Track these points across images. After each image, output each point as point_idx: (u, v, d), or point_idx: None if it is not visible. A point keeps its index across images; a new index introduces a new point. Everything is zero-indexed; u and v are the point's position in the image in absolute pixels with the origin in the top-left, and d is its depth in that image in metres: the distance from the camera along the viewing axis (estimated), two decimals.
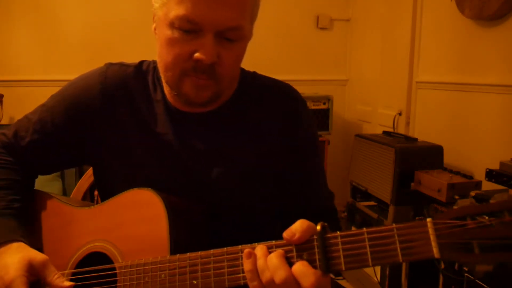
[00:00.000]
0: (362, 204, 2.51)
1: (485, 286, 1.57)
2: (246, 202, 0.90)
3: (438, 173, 2.04)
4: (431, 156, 2.19)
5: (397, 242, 0.58)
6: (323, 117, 3.08)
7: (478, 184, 1.91)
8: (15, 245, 0.78)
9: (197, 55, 0.76)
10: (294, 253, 0.64)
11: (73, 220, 0.87)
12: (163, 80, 0.86)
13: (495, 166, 1.70)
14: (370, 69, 3.25)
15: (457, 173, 2.02)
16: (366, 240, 0.59)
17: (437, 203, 1.93)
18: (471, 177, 1.96)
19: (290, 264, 0.63)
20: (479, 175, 1.93)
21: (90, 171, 1.21)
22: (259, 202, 0.91)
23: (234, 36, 0.78)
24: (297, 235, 0.63)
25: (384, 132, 2.56)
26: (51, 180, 2.65)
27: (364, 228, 0.60)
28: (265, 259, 0.63)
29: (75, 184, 1.25)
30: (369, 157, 2.41)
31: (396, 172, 2.16)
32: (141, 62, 0.94)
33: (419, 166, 2.11)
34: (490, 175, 1.68)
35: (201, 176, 0.88)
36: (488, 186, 1.79)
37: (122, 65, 0.93)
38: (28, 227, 0.85)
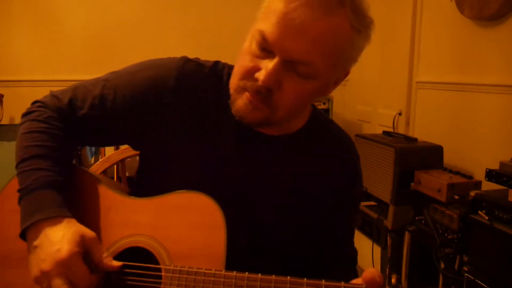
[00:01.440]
0: (362, 204, 2.51)
1: (485, 286, 1.58)
2: (283, 235, 0.90)
3: (438, 173, 2.04)
4: (431, 156, 2.19)
5: None
6: None
7: (478, 184, 1.91)
8: (66, 220, 0.76)
9: (257, 74, 0.75)
10: None
11: (115, 208, 0.83)
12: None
13: (495, 166, 1.70)
14: (370, 69, 3.24)
15: (457, 173, 2.02)
16: None
17: (437, 203, 1.93)
18: (471, 177, 1.96)
19: None
20: (479, 175, 1.93)
21: (94, 166, 1.21)
22: (295, 239, 0.91)
23: (304, 71, 0.75)
24: (377, 279, 0.64)
25: (384, 132, 2.56)
26: None
27: None
28: None
29: None
30: (369, 157, 2.41)
31: (396, 172, 2.16)
32: (216, 63, 0.92)
33: (419, 166, 2.11)
34: (490, 175, 1.68)
35: (248, 197, 0.87)
36: (488, 186, 1.79)
37: (198, 63, 0.91)
38: (70, 205, 0.82)
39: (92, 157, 2.93)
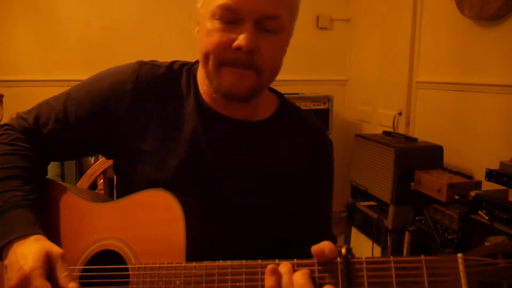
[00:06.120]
0: (362, 204, 2.51)
1: None
2: (257, 219, 0.90)
3: (438, 173, 2.04)
4: (431, 156, 2.20)
5: (425, 274, 0.56)
6: (323, 117, 3.09)
7: (478, 184, 1.91)
8: (34, 237, 0.78)
9: (236, 43, 0.77)
10: (316, 274, 0.62)
11: (86, 215, 0.86)
12: (203, 75, 0.86)
13: (495, 166, 1.70)
14: (370, 69, 3.25)
15: (457, 173, 2.02)
16: (393, 269, 0.57)
17: (437, 203, 1.93)
18: (471, 177, 1.96)
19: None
20: (479, 175, 1.94)
21: (89, 171, 1.21)
22: (270, 222, 0.92)
23: (273, 26, 0.80)
24: (326, 252, 0.62)
25: (384, 132, 2.56)
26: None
27: (391, 257, 0.58)
28: (290, 276, 0.62)
29: (75, 184, 1.25)
30: (369, 157, 2.41)
31: (396, 172, 2.16)
32: (173, 63, 0.94)
33: (419, 166, 2.11)
34: (490, 175, 1.68)
35: (220, 181, 0.88)
36: (488, 186, 1.79)
37: (154, 65, 0.93)
38: (43, 220, 0.84)
39: (92, 157, 2.93)
